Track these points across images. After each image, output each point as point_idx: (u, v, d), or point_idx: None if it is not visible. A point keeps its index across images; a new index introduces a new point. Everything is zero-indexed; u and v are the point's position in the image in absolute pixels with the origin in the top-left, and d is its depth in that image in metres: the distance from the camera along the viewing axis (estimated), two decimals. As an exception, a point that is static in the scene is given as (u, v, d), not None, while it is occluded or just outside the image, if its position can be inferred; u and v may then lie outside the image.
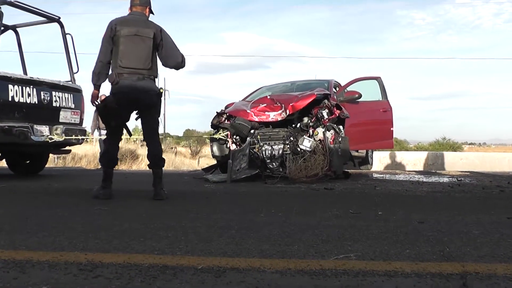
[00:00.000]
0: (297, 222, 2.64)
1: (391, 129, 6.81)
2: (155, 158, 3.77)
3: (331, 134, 5.45)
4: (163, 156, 3.83)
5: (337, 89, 6.91)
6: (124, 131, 3.91)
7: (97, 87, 3.81)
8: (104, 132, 7.97)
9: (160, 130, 4.37)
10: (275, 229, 2.39)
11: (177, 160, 17.20)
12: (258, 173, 5.32)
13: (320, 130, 5.42)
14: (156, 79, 3.84)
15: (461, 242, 2.10)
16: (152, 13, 3.86)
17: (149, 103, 3.73)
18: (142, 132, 3.93)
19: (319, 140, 5.37)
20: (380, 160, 11.99)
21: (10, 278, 1.55)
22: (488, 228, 2.43)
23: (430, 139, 28.34)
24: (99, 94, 3.87)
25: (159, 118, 3.93)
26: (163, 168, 3.81)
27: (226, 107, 6.29)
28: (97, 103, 3.83)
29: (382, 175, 6.66)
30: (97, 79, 3.74)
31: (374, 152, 9.48)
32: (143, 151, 16.36)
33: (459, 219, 2.76)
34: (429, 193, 4.21)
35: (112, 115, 3.71)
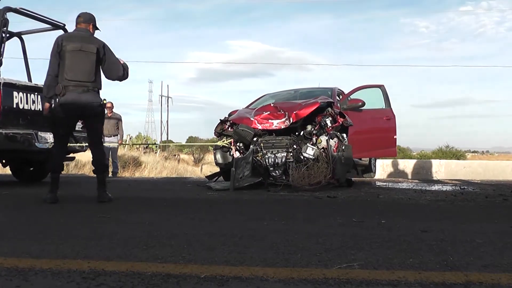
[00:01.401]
0: (300, 230, 2.64)
1: (394, 137, 6.78)
2: (100, 165, 4.05)
3: (335, 142, 5.45)
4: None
5: (341, 97, 6.93)
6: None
7: (48, 99, 4.04)
8: (108, 139, 8.08)
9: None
10: (278, 237, 2.39)
11: (180, 167, 17.18)
12: (261, 181, 5.32)
13: (323, 138, 5.43)
14: (100, 91, 4.08)
15: (464, 251, 2.09)
16: (98, 29, 4.13)
17: (92, 114, 3.99)
18: (90, 138, 4.14)
19: (323, 148, 5.38)
20: (383, 168, 11.97)
21: (13, 286, 1.56)
22: (492, 237, 2.42)
23: (433, 146, 28.23)
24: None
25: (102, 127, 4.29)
26: (105, 173, 4.10)
27: (230, 114, 6.31)
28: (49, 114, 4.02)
29: (385, 183, 6.64)
30: (47, 91, 3.97)
31: (377, 160, 9.46)
32: (146, 158, 16.42)
33: (462, 228, 2.76)
34: (432, 202, 4.19)
35: (60, 124, 3.98)
